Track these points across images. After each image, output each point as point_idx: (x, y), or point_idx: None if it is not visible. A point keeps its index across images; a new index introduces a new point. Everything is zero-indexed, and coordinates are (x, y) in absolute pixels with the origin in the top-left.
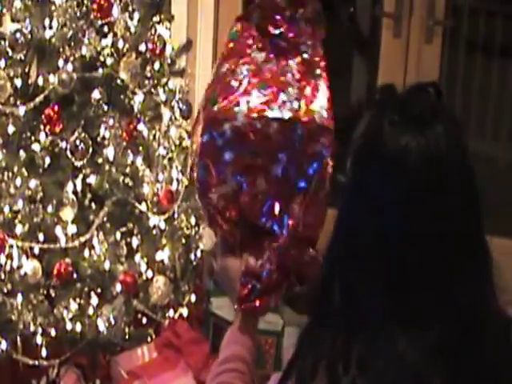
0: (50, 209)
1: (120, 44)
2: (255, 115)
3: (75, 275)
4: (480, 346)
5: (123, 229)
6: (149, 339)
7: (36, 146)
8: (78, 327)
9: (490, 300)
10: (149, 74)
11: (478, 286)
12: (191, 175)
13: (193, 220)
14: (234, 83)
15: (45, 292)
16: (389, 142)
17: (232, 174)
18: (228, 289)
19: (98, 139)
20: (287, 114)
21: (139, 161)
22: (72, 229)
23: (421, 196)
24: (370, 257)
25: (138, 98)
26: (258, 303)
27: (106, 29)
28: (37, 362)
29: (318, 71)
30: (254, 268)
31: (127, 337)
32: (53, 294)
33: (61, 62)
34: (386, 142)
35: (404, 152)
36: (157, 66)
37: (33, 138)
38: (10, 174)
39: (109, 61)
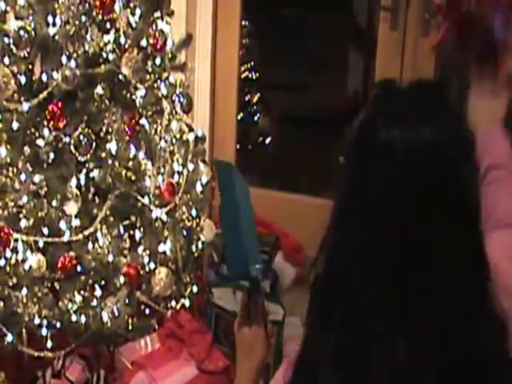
0: (54, 203)
1: (122, 40)
2: None
3: (79, 268)
4: (470, 344)
5: (126, 222)
6: (152, 330)
7: (40, 142)
8: (83, 319)
9: (485, 298)
10: (150, 69)
11: (470, 284)
12: None
13: (194, 212)
14: None
15: (49, 285)
16: (380, 136)
17: None
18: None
19: (101, 134)
20: None
21: (141, 155)
22: (76, 222)
23: (417, 190)
24: (368, 254)
25: (140, 92)
26: None
27: (108, 25)
28: (42, 354)
29: None
30: None
31: (131, 328)
32: (57, 287)
33: (64, 59)
34: (377, 135)
35: (393, 147)
36: (158, 60)
37: (37, 133)
38: (15, 170)
39: (111, 57)
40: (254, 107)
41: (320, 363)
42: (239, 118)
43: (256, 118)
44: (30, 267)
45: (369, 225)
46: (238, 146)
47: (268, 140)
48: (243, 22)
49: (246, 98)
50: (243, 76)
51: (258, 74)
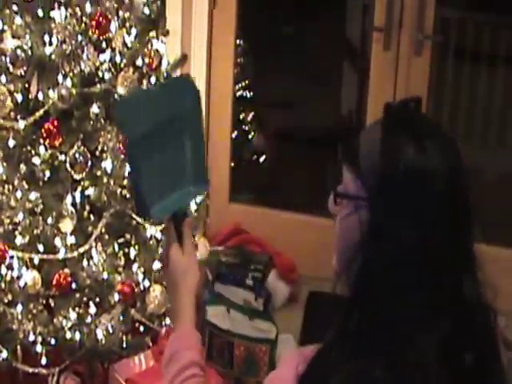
0: (49, 220)
1: (118, 59)
2: None
3: (74, 285)
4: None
5: (121, 239)
6: (146, 347)
7: (36, 160)
8: (77, 336)
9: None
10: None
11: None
12: None
13: None
14: None
15: (44, 302)
16: (415, 163)
17: None
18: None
19: (97, 152)
20: None
21: None
22: (71, 240)
23: (446, 207)
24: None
25: None
26: None
27: (104, 44)
28: (37, 370)
29: None
30: None
31: (125, 345)
32: (52, 304)
33: (60, 78)
34: (412, 164)
35: (430, 168)
36: (153, 80)
37: (33, 151)
38: (11, 187)
39: (107, 76)
40: (249, 125)
41: (332, 374)
42: (233, 136)
43: (250, 137)
44: (25, 284)
45: (399, 242)
46: (232, 164)
47: (262, 158)
48: (238, 41)
49: (241, 117)
50: (238, 94)
51: (252, 93)
